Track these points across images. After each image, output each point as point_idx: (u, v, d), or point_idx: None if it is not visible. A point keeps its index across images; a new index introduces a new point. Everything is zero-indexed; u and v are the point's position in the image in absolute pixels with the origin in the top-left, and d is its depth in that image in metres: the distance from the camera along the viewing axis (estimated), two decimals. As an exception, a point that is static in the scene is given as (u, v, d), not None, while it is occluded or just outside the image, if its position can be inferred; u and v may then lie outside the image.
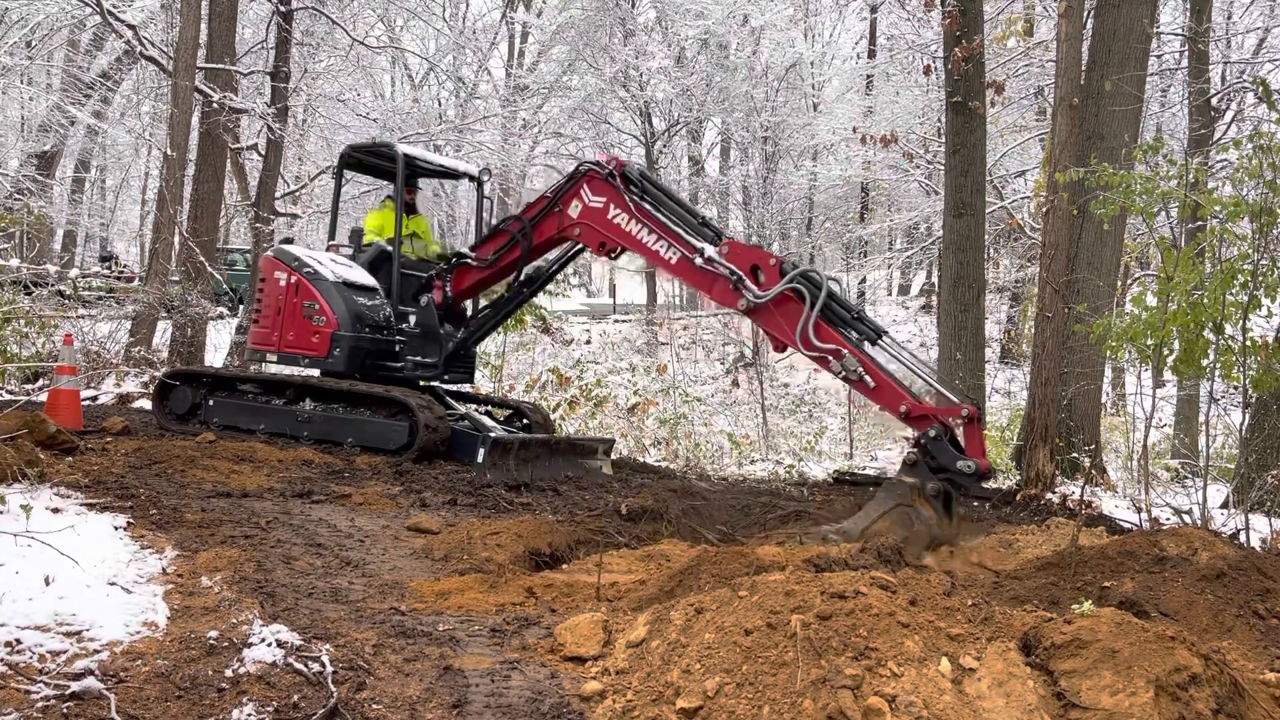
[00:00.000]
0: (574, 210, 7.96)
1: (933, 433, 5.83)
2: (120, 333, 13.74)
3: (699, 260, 7.06)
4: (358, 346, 8.64)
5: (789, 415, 18.93)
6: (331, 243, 9.84)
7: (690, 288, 8.17)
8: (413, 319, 9.01)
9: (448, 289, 8.89)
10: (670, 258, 7.31)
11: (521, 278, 8.68)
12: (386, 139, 11.98)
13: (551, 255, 8.91)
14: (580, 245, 8.30)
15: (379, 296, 8.94)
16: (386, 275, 9.02)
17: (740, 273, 6.85)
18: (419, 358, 8.91)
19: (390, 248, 9.06)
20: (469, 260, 8.72)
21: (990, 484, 10.99)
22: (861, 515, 5.76)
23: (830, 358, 6.39)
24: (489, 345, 14.54)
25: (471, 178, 9.73)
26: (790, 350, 6.74)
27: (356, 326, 8.64)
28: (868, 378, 6.28)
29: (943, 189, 15.50)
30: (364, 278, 9.01)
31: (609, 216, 7.69)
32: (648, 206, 7.52)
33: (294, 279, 8.87)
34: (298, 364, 9.03)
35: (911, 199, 27.25)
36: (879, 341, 6.55)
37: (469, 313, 9.45)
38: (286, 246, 9.64)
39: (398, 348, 8.88)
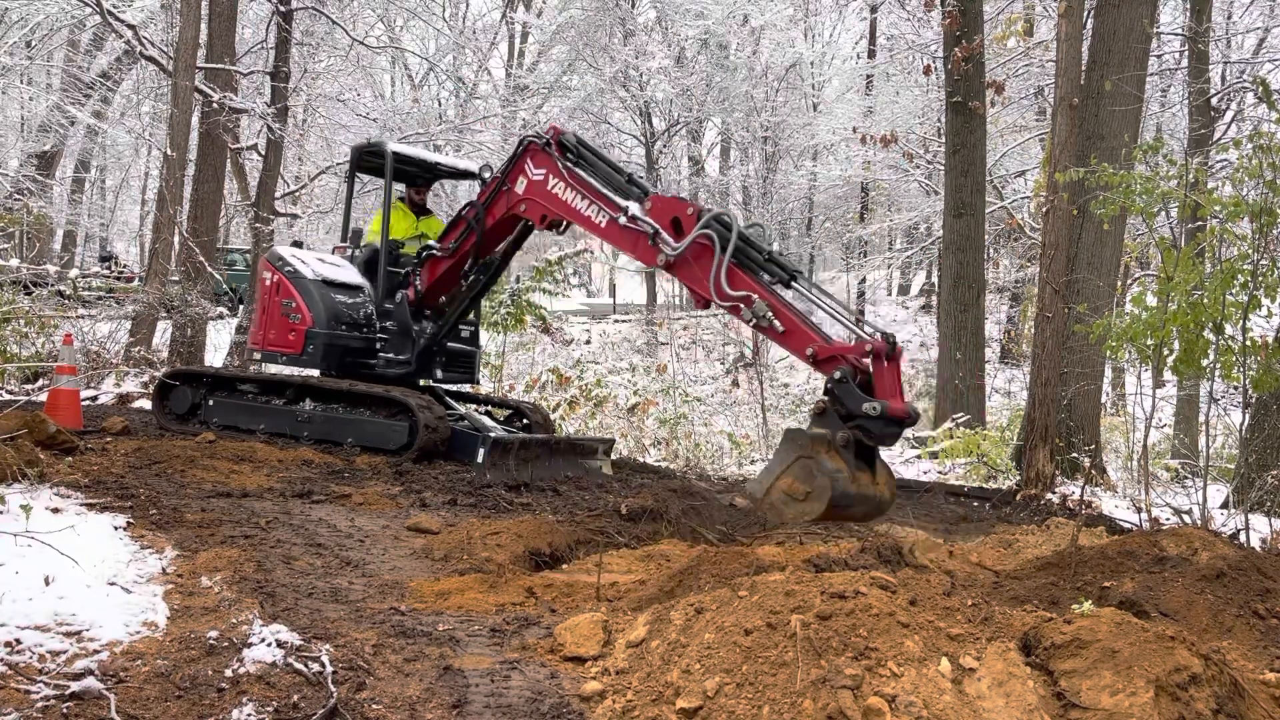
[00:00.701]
0: (520, 186, 7.77)
1: (838, 374, 5.20)
2: (120, 333, 13.74)
3: (623, 219, 6.73)
4: (332, 344, 8.69)
5: (789, 415, 18.93)
6: (338, 244, 9.89)
7: (621, 251, 7.66)
8: (390, 316, 9.00)
9: (418, 284, 8.86)
10: (600, 221, 7.02)
11: (480, 263, 8.54)
12: (383, 139, 11.97)
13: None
14: (527, 225, 8.08)
15: (362, 295, 8.98)
16: (378, 274, 9.05)
17: (657, 227, 6.48)
18: (392, 355, 8.90)
19: (412, 251, 9.06)
20: (435, 251, 8.70)
21: (990, 483, 11.01)
22: (764, 472, 5.21)
23: (741, 305, 5.89)
24: (489, 345, 14.54)
25: (472, 176, 9.72)
26: (715, 306, 6.25)
27: (332, 324, 8.71)
28: (776, 322, 5.74)
29: (943, 189, 15.51)
30: (350, 276, 9.06)
31: (549, 188, 7.48)
32: (581, 172, 7.30)
33: (276, 279, 9.02)
34: (278, 361, 9.13)
35: (911, 199, 27.26)
36: (793, 284, 6.02)
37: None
38: (280, 248, 9.71)
39: (378, 345, 8.88)
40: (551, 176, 7.45)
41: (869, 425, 5.04)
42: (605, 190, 7.07)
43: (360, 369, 8.86)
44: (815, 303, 5.88)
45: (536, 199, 7.62)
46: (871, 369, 5.18)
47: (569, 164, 7.36)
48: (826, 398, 5.22)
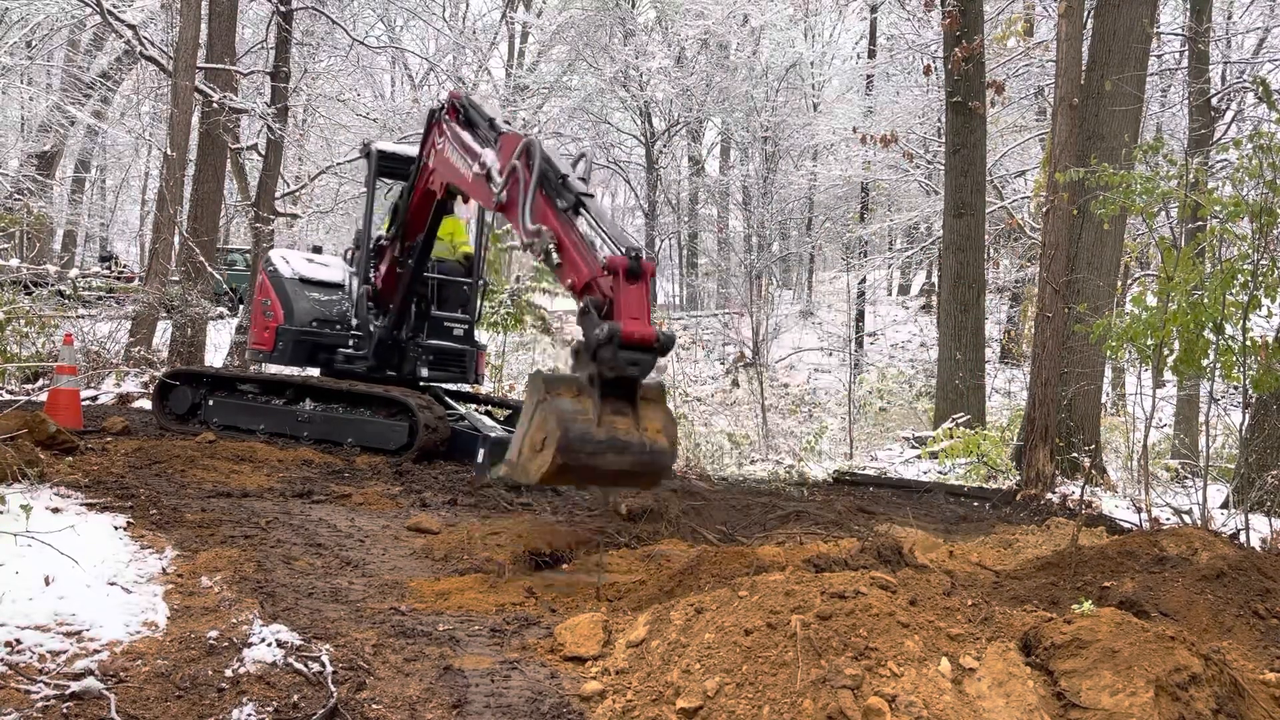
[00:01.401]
0: (431, 159, 7.62)
1: (580, 304, 4.71)
2: (120, 333, 13.74)
3: (475, 168, 6.37)
4: (301, 341, 8.83)
5: (789, 415, 18.94)
6: (348, 247, 10.02)
7: (478, 202, 7.11)
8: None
9: (373, 279, 8.89)
10: (468, 175, 6.66)
11: (406, 248, 8.52)
12: (373, 140, 11.97)
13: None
14: (439, 201, 7.90)
15: (340, 293, 9.14)
16: (361, 272, 9.15)
17: (490, 167, 6.04)
18: (351, 349, 8.96)
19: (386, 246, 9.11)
20: (383, 241, 8.76)
21: (990, 483, 11.01)
22: (516, 432, 4.57)
23: (534, 240, 5.29)
24: (489, 345, 14.53)
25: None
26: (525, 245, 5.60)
27: (302, 321, 8.90)
28: (555, 255, 5.14)
29: (943, 189, 15.51)
30: (331, 275, 9.25)
31: (444, 154, 7.27)
32: (462, 131, 7.01)
33: (261, 279, 9.38)
34: (258, 359, 9.32)
35: (911, 199, 27.25)
36: (580, 211, 5.40)
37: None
38: (274, 251, 9.93)
39: (352, 342, 8.94)
40: (445, 142, 7.24)
41: (603, 353, 4.38)
42: (474, 144, 6.71)
43: (331, 365, 8.98)
44: (599, 233, 5.24)
45: (438, 168, 7.45)
46: (612, 291, 4.59)
47: (455, 126, 7.12)
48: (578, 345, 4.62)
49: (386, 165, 9.44)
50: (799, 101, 32.44)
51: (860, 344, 26.66)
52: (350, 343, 8.96)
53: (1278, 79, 16.14)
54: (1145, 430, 7.44)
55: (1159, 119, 20.96)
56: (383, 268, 8.84)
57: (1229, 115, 18.28)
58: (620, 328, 4.38)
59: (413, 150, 10.07)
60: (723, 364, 25.49)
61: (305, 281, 9.11)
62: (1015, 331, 24.22)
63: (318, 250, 10.35)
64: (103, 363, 12.76)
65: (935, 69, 18.26)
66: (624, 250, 4.67)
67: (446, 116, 7.31)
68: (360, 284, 9.05)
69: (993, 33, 17.35)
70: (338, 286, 9.21)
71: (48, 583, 3.46)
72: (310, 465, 7.36)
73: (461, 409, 9.13)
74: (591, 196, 5.38)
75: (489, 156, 6.22)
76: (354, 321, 9.05)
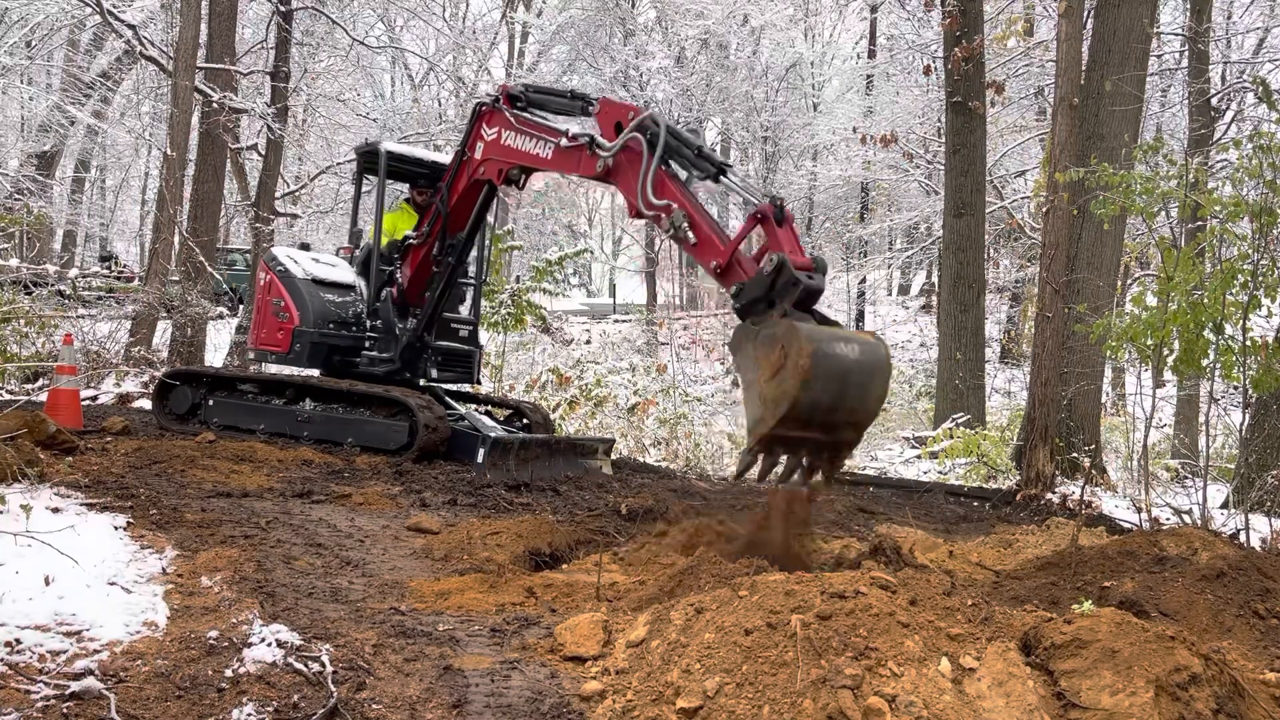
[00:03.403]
0: (479, 151, 7.78)
1: (734, 288, 4.86)
2: (120, 333, 13.74)
3: (564, 142, 6.57)
4: (319, 343, 8.74)
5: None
6: (344, 246, 9.97)
7: (569, 174, 7.33)
8: (377, 314, 9.03)
9: (400, 279, 8.86)
10: (546, 154, 6.91)
11: (448, 244, 8.49)
12: (380, 139, 11.98)
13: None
14: (490, 189, 8.04)
15: (353, 294, 9.02)
16: (371, 273, 9.09)
17: (594, 134, 6.18)
18: (376, 352, 8.93)
19: (386, 247, 9.08)
20: (411, 239, 8.72)
21: (990, 483, 11.01)
22: (745, 394, 4.50)
23: (662, 214, 5.50)
24: (489, 345, 14.54)
25: None
26: (643, 215, 5.81)
27: (319, 323, 8.76)
28: (691, 234, 5.33)
29: (943, 189, 15.51)
30: (342, 276, 9.12)
31: (503, 142, 7.46)
32: (528, 115, 7.28)
33: (269, 278, 9.14)
34: (269, 360, 9.19)
35: (911, 199, 27.26)
36: (722, 178, 5.55)
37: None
38: (276, 248, 9.79)
39: (368, 344, 8.91)
40: (504, 130, 7.43)
41: (784, 279, 4.52)
42: (548, 122, 6.97)
43: (349, 368, 8.91)
44: (743, 194, 5.48)
45: (493, 157, 7.61)
46: (767, 238, 4.85)
47: (517, 112, 7.33)
48: (743, 315, 4.74)
49: (393, 166, 9.42)
50: (799, 101, 32.45)
51: (860, 344, 26.57)
52: (368, 344, 8.91)
53: (1278, 79, 16.16)
54: (1145, 430, 7.44)
55: (1159, 119, 20.97)
56: (407, 269, 8.79)
57: (1229, 115, 18.28)
58: (786, 257, 4.55)
59: (422, 152, 10.09)
60: (723, 364, 25.49)
61: (318, 282, 9.00)
62: (1015, 331, 24.23)
63: (305, 248, 10.31)
64: (103, 363, 12.76)
65: (935, 69, 18.26)
66: (769, 199, 4.88)
67: (502, 105, 7.44)
68: (374, 285, 8.97)
69: (993, 33, 17.34)
70: (349, 288, 9.11)
71: (48, 583, 3.46)
72: (310, 465, 7.36)
73: (461, 409, 9.13)
74: (729, 165, 5.60)
75: (580, 125, 6.46)
76: (370, 323, 8.96)
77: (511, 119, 7.32)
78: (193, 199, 15.33)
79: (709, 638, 2.97)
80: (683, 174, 5.74)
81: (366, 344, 8.91)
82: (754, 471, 4.40)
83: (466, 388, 9.87)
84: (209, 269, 14.31)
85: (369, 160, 9.52)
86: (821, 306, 4.81)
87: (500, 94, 7.58)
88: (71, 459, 5.87)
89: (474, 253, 9.69)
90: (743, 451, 4.46)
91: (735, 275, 4.98)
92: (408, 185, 9.76)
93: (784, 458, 4.41)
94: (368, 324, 8.96)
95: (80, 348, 11.92)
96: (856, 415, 4.36)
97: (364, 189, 10.51)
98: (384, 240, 9.40)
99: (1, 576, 3.43)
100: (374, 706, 2.85)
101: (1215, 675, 2.81)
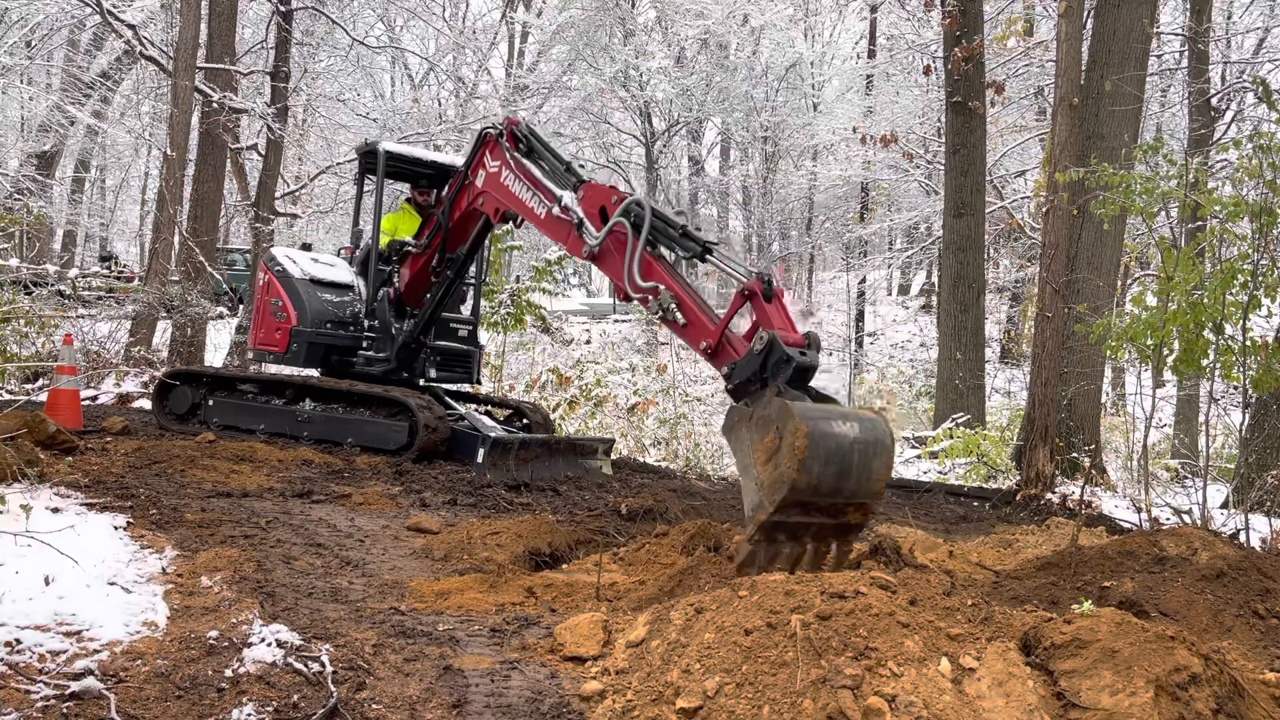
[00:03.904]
0: (480, 179, 7.73)
1: (725, 369, 4.82)
2: (120, 333, 13.74)
3: (556, 210, 6.54)
4: (316, 343, 8.74)
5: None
6: (344, 246, 9.95)
7: (556, 242, 7.32)
8: (374, 315, 9.02)
9: (397, 281, 8.86)
10: (540, 213, 6.87)
11: (447, 259, 8.48)
12: (380, 139, 11.97)
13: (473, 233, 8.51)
14: (486, 220, 7.98)
15: (351, 294, 9.04)
16: (369, 273, 9.09)
17: (583, 216, 6.24)
18: (372, 352, 8.93)
19: (385, 247, 9.08)
20: (411, 248, 8.71)
21: (990, 484, 11.02)
22: (743, 480, 4.27)
23: (650, 296, 5.46)
24: (489, 345, 14.53)
25: None
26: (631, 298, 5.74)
27: (316, 323, 8.77)
28: (679, 315, 5.27)
29: (943, 189, 15.51)
30: (340, 276, 9.12)
31: (501, 180, 7.41)
32: (527, 164, 7.20)
33: (267, 278, 9.15)
34: (267, 360, 9.19)
35: (911, 199, 27.26)
36: (708, 257, 5.50)
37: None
38: (276, 249, 9.78)
39: (365, 344, 8.91)
40: (504, 169, 7.39)
41: (772, 359, 4.46)
42: (546, 181, 6.90)
43: (347, 367, 8.92)
44: (730, 273, 5.34)
45: (491, 192, 7.58)
46: (756, 314, 4.80)
47: (517, 156, 7.28)
48: (731, 393, 4.73)
49: (394, 166, 9.41)
50: (799, 101, 32.45)
51: (860, 344, 26.68)
52: (364, 344, 8.92)
53: (1278, 79, 16.16)
54: (1145, 430, 7.44)
55: (1159, 119, 20.97)
56: (405, 271, 8.79)
57: (1229, 115, 18.29)
58: (777, 334, 4.49)
59: (422, 152, 10.07)
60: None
61: (316, 282, 9.01)
62: (1015, 331, 24.23)
63: (307, 248, 10.31)
64: (103, 363, 12.75)
65: (935, 69, 18.27)
66: (755, 275, 4.87)
67: (505, 143, 7.39)
68: (375, 286, 8.97)
69: (993, 33, 17.35)
70: (347, 288, 9.13)
71: (48, 583, 3.46)
72: (310, 465, 7.36)
73: (461, 409, 9.13)
74: (715, 245, 5.52)
75: (569, 200, 6.38)
76: (368, 323, 8.97)
77: (512, 161, 7.26)
78: (193, 199, 15.33)
79: (709, 638, 2.97)
80: (670, 255, 5.68)
81: (364, 344, 8.92)
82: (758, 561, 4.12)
83: (466, 388, 9.87)
84: (209, 269, 14.31)
85: (370, 160, 9.51)
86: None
87: (506, 127, 7.51)
88: (71, 459, 5.87)
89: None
90: (742, 541, 4.21)
91: (726, 355, 4.89)
92: (409, 185, 9.76)
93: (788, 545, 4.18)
94: (365, 324, 8.97)
95: (80, 348, 11.92)
96: (859, 496, 4.14)
97: (366, 189, 10.50)
98: (384, 240, 9.40)
99: (1, 576, 3.43)
100: (374, 706, 2.85)
101: (1215, 675, 2.81)
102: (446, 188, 8.39)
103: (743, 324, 5.18)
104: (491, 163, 7.58)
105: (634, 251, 5.59)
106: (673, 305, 5.28)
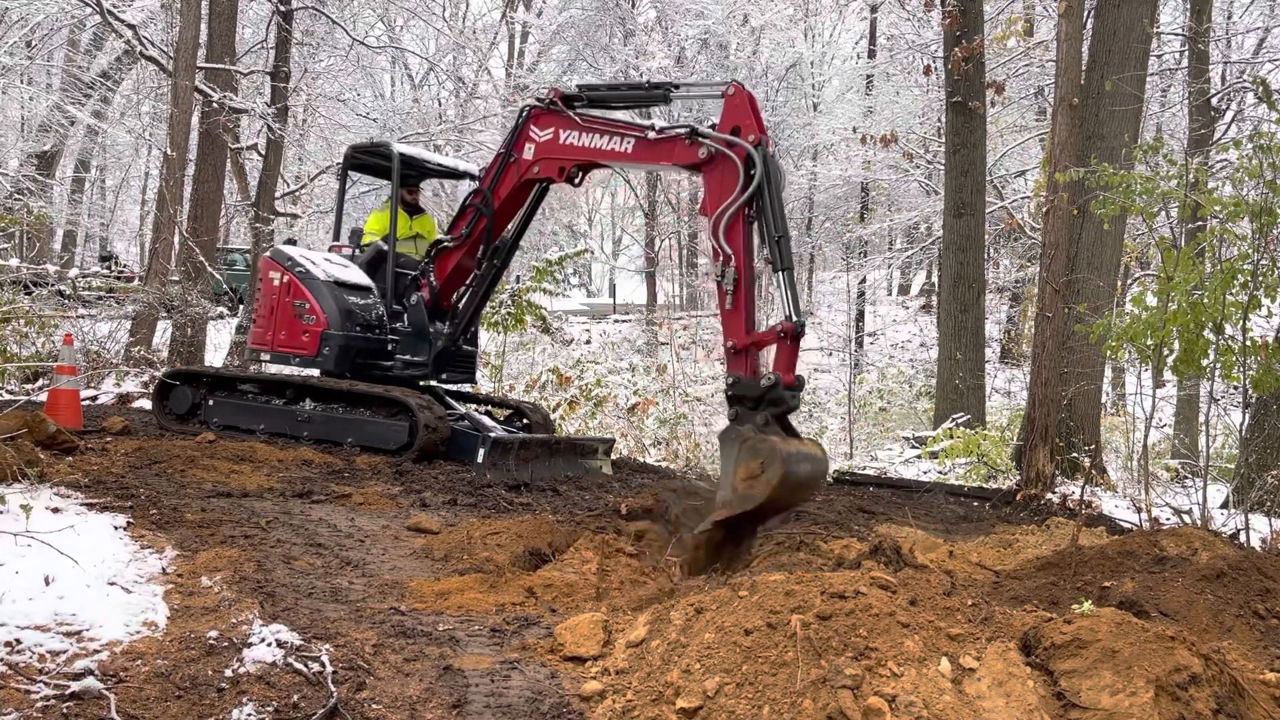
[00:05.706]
0: (528, 153, 7.83)
1: (730, 379, 5.63)
2: (120, 333, 13.73)
3: (651, 135, 6.75)
4: (347, 345, 8.64)
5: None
6: (334, 243, 9.83)
7: (651, 166, 7.57)
8: (406, 318, 8.94)
9: (433, 281, 8.80)
10: (625, 149, 7.06)
11: (492, 247, 8.50)
12: (385, 139, 11.97)
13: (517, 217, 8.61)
14: (542, 187, 8.13)
15: (372, 296, 8.93)
16: (384, 275, 9.00)
17: (694, 125, 6.44)
18: (409, 357, 8.86)
19: (388, 247, 9.06)
20: (446, 243, 8.64)
21: (990, 484, 11.02)
22: (722, 481, 5.40)
23: (719, 258, 5.87)
24: (489, 345, 14.54)
25: (473, 177, 9.70)
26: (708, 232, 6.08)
27: (346, 325, 8.65)
28: (730, 298, 5.77)
29: (943, 189, 15.51)
30: (358, 277, 9.00)
31: (561, 142, 7.57)
32: (594, 113, 7.41)
33: (286, 279, 8.91)
34: (289, 363, 9.06)
35: (911, 199, 27.25)
36: (782, 272, 5.79)
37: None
38: (283, 247, 9.65)
39: (390, 347, 8.84)
40: (561, 130, 7.54)
41: (772, 396, 5.43)
42: (625, 118, 7.17)
43: (372, 370, 8.81)
44: (784, 300, 5.76)
45: (549, 156, 7.69)
46: (776, 346, 5.60)
47: (578, 111, 7.46)
48: (732, 403, 5.59)
49: (384, 165, 9.39)
50: (799, 101, 32.45)
51: (860, 344, 26.66)
52: (389, 346, 8.84)
53: (1278, 79, 16.14)
54: (1145, 430, 7.44)
55: (1159, 119, 20.96)
56: (436, 271, 8.67)
57: (1229, 115, 18.28)
58: (781, 376, 5.47)
59: (425, 153, 10.06)
60: (722, 364, 25.48)
61: (340, 284, 8.87)
62: (1015, 331, 24.22)
63: (291, 244, 10.19)
64: (103, 363, 12.75)
65: (935, 69, 18.26)
66: (796, 319, 5.60)
67: (560, 106, 7.52)
68: (391, 287, 8.91)
69: (993, 33, 17.34)
70: (367, 289, 8.99)
71: (48, 583, 3.46)
72: (310, 465, 7.36)
73: (461, 409, 9.13)
74: (791, 270, 5.86)
75: (661, 122, 6.67)
76: (393, 326, 8.85)
77: (576, 119, 7.43)
78: (193, 199, 15.32)
79: (709, 638, 2.97)
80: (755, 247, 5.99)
81: (389, 346, 8.83)
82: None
83: (466, 388, 9.86)
84: (209, 269, 14.31)
85: (359, 159, 9.49)
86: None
87: (553, 96, 7.64)
88: (71, 459, 5.87)
89: None
90: (701, 528, 5.24)
91: (739, 365, 5.66)
92: (393, 185, 9.72)
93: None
94: (389, 326, 8.88)
95: (80, 348, 11.91)
96: (785, 509, 5.68)
97: (361, 188, 10.47)
98: (367, 238, 9.37)
99: (1, 576, 3.43)
100: (374, 706, 2.85)
101: (1215, 675, 2.81)
102: (483, 178, 8.33)
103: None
104: (541, 132, 7.70)
105: (733, 202, 5.90)
106: (731, 287, 5.76)
